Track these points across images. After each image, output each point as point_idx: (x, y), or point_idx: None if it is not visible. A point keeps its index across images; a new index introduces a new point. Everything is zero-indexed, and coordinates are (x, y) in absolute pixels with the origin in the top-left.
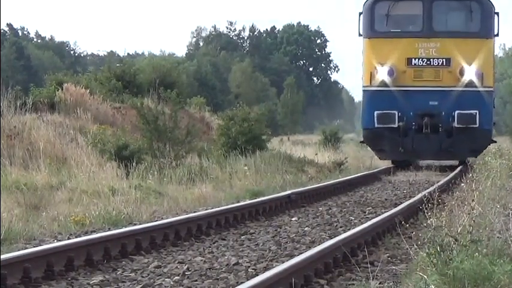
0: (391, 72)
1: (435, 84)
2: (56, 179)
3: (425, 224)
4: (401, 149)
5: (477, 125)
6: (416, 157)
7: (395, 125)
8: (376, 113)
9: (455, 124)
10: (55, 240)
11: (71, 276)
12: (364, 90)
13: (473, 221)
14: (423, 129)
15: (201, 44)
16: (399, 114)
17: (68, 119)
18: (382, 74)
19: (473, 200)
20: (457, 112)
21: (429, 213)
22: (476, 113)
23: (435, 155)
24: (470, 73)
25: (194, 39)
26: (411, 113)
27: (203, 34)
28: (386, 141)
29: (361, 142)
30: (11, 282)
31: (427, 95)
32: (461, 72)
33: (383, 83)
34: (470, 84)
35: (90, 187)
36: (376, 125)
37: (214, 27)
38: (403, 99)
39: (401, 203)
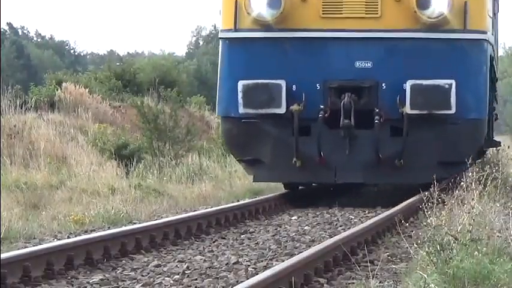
0: (275, 1)
1: (367, 26)
2: (56, 178)
3: (425, 223)
4: (296, 161)
5: (452, 111)
6: (327, 177)
7: (282, 111)
8: (242, 84)
9: (408, 109)
10: (55, 239)
11: (70, 275)
12: (221, 39)
13: (473, 220)
14: (341, 120)
15: (201, 43)
16: (293, 87)
17: (68, 118)
18: (258, 5)
19: (473, 199)
20: (410, 83)
21: (429, 212)
22: (451, 84)
23: (366, 173)
24: (439, 2)
25: (194, 38)
26: (317, 86)
27: (203, 33)
28: (264, 144)
29: (223, 146)
30: (11, 281)
31: (350, 49)
32: (422, 1)
33: (259, 23)
34: (440, 24)
35: (90, 186)
36: (242, 110)
37: (214, 26)
38: (300, 58)
39: (401, 201)
